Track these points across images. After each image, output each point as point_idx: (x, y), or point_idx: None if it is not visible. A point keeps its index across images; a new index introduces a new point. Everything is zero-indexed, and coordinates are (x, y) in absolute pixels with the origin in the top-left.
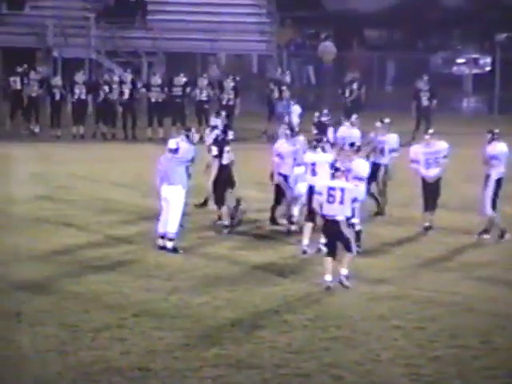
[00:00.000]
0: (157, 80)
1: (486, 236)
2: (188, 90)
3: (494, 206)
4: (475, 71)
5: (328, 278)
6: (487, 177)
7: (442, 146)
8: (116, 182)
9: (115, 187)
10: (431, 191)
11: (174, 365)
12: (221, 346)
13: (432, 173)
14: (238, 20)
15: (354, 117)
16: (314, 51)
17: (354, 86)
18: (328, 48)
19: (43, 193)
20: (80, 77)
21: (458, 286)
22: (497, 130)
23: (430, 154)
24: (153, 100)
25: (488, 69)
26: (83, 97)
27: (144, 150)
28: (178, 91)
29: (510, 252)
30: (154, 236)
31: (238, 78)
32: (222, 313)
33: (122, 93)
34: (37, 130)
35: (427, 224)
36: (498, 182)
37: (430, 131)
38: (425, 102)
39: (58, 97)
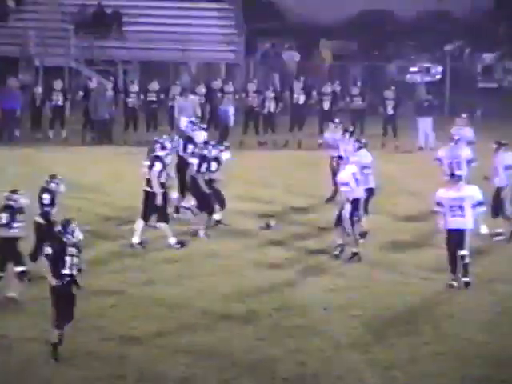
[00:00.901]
0: (134, 87)
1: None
2: (161, 96)
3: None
4: (427, 79)
5: None
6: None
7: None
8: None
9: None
10: None
11: (149, 351)
12: (193, 334)
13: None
14: (207, 31)
15: (337, 120)
16: (279, 60)
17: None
18: (291, 57)
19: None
20: (58, 84)
21: (409, 278)
22: (505, 141)
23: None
24: (130, 106)
25: (439, 77)
26: (60, 103)
27: (120, 151)
28: (152, 97)
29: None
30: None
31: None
32: (194, 302)
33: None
34: (17, 134)
35: None
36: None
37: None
38: (390, 110)
39: (38, 102)
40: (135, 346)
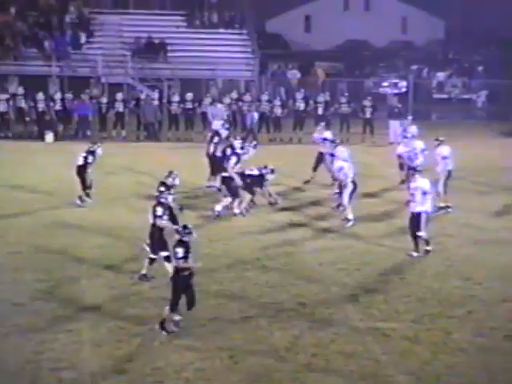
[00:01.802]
0: (175, 98)
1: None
2: (196, 105)
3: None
4: (395, 91)
5: None
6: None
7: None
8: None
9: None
10: None
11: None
12: (220, 284)
13: None
14: (230, 55)
15: (322, 124)
16: (284, 77)
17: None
18: (293, 75)
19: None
20: (119, 96)
21: (384, 240)
22: (442, 138)
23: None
24: (172, 112)
25: (404, 89)
26: (121, 110)
27: (165, 145)
28: (189, 105)
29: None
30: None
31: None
32: (220, 260)
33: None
34: (89, 133)
35: None
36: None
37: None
38: (368, 114)
39: (104, 109)
40: None
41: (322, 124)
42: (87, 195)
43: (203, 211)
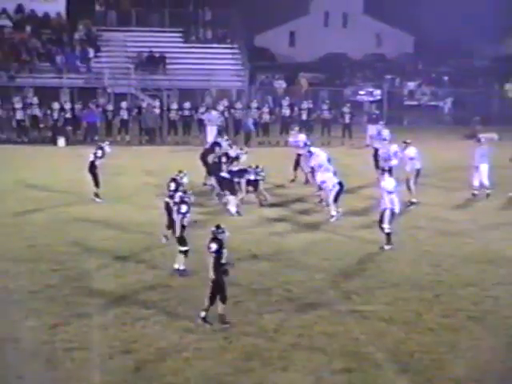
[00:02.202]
0: (174, 106)
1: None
2: (193, 112)
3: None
4: (371, 99)
5: None
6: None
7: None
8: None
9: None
10: None
11: (189, 282)
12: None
13: None
14: (223, 67)
15: (296, 128)
16: (272, 87)
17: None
18: (280, 85)
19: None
20: (124, 104)
21: (362, 232)
22: (409, 140)
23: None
24: (171, 119)
25: (379, 97)
26: (125, 117)
27: (165, 149)
28: (186, 113)
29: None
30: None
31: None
32: None
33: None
34: (96, 138)
35: None
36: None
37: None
38: (347, 120)
39: (110, 117)
40: (179, 278)
41: (296, 129)
42: (97, 196)
43: (201, 208)
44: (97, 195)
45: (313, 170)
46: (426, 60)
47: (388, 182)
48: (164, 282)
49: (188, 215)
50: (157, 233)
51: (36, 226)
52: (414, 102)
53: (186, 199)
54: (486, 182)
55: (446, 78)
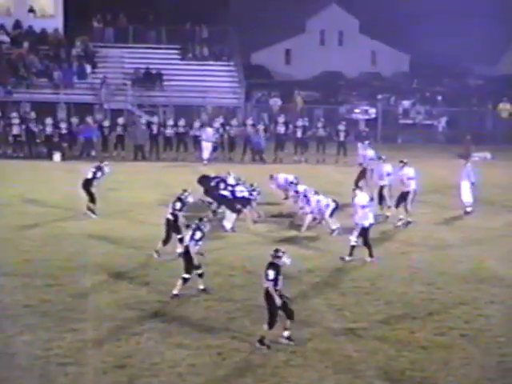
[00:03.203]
0: (170, 122)
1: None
2: (188, 128)
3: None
4: (365, 117)
5: None
6: (407, 193)
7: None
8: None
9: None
10: None
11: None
12: (210, 288)
13: None
14: (219, 84)
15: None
16: (267, 104)
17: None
18: (275, 102)
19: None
20: (120, 120)
21: (357, 249)
22: (406, 160)
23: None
24: (167, 135)
25: (374, 116)
26: (121, 133)
27: (161, 165)
28: (181, 129)
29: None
30: None
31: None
32: (210, 267)
33: (151, 129)
34: (93, 153)
35: None
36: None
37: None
38: (342, 137)
39: (106, 132)
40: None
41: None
42: (93, 212)
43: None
44: (92, 211)
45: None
46: (421, 79)
47: (361, 198)
48: (158, 297)
49: (200, 243)
50: (151, 249)
51: (32, 241)
52: (409, 121)
53: (202, 227)
54: (465, 200)
55: (440, 97)
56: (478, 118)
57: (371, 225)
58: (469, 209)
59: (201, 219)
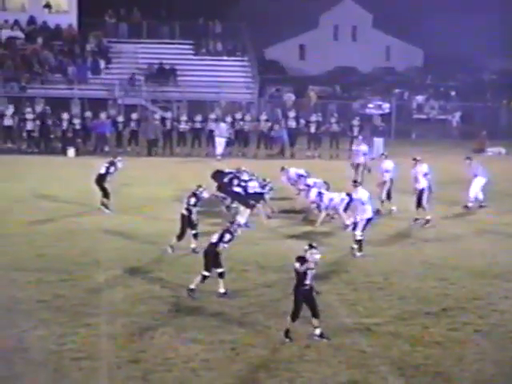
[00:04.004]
0: (184, 117)
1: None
2: (202, 123)
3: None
4: (380, 112)
5: None
6: (422, 190)
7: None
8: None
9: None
10: None
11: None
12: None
13: None
14: (233, 80)
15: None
16: (281, 99)
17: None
18: (289, 97)
19: None
20: (134, 116)
21: (370, 245)
22: (419, 157)
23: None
24: (181, 130)
25: (388, 111)
26: (135, 128)
27: (175, 160)
28: (196, 125)
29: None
30: None
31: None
32: (224, 262)
33: (164, 125)
34: (106, 149)
35: None
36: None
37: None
38: (356, 133)
39: (120, 128)
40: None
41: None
42: (106, 207)
43: (209, 218)
44: (106, 206)
45: (308, 187)
46: (435, 74)
47: (361, 194)
48: (172, 292)
49: (227, 246)
50: (166, 244)
51: (45, 236)
52: (423, 116)
53: (232, 230)
54: (471, 195)
55: (454, 92)
56: (492, 113)
57: (370, 219)
58: (470, 204)
59: (232, 222)
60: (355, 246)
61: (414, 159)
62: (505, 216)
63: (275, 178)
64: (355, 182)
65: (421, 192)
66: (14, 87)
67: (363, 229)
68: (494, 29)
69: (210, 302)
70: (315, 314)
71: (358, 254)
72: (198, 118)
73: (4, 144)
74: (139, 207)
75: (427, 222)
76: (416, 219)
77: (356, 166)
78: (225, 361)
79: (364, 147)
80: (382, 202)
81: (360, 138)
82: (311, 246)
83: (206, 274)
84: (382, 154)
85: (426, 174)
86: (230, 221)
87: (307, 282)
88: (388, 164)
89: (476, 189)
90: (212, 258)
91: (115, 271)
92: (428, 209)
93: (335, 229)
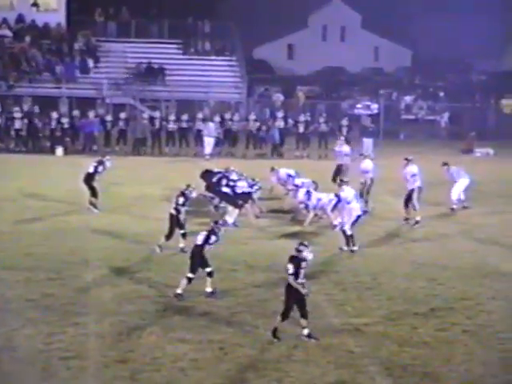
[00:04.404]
0: (172, 117)
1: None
2: (190, 123)
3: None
4: (368, 112)
5: None
6: (412, 190)
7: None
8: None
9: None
10: None
11: (184, 293)
12: (211, 283)
13: None
14: (221, 79)
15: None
16: (269, 99)
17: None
18: (277, 97)
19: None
20: (123, 115)
21: (360, 245)
22: (411, 157)
23: None
24: (169, 129)
25: (376, 111)
26: (123, 127)
27: (164, 160)
28: (183, 124)
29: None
30: None
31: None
32: (211, 262)
33: (153, 124)
34: (95, 148)
35: None
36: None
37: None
38: (345, 133)
39: (108, 127)
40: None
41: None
42: (95, 206)
43: (197, 218)
44: (94, 205)
45: (297, 187)
46: (424, 74)
47: (348, 192)
48: (160, 292)
49: (213, 247)
50: (154, 243)
51: (34, 235)
52: (411, 116)
53: (217, 230)
54: (454, 197)
55: (442, 92)
56: (480, 114)
57: (359, 217)
58: (455, 206)
59: (216, 222)
60: (345, 247)
61: (406, 159)
62: (493, 217)
63: (264, 178)
64: (341, 180)
65: (410, 192)
66: (2, 86)
67: (352, 224)
68: (483, 29)
69: (198, 302)
70: (304, 315)
71: (355, 248)
72: (185, 117)
73: None
74: (128, 206)
75: (417, 222)
76: (406, 219)
77: (338, 167)
78: (213, 360)
79: (346, 148)
80: (366, 201)
81: (342, 138)
82: (299, 245)
83: (191, 276)
84: (361, 155)
85: (413, 175)
86: (214, 221)
87: (299, 281)
88: (367, 164)
89: (458, 190)
90: (198, 259)
91: (103, 270)
92: (418, 209)
93: (323, 229)
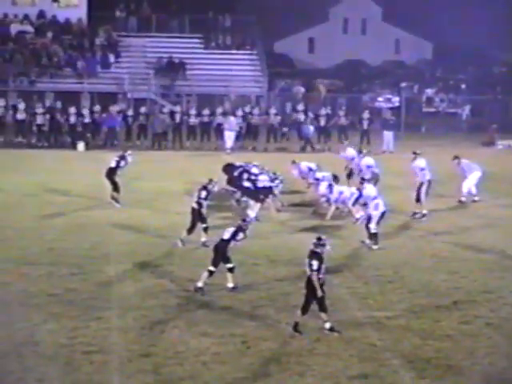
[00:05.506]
0: (193, 111)
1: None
2: (211, 117)
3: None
4: (389, 105)
5: None
6: (421, 183)
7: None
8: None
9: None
10: None
11: (207, 287)
12: (233, 277)
13: None
14: (242, 73)
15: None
16: (290, 93)
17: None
18: (298, 91)
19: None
20: (143, 109)
21: (381, 240)
22: (419, 151)
23: None
24: (190, 124)
25: (397, 104)
26: (144, 122)
27: (185, 154)
28: (205, 118)
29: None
30: None
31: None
32: (234, 256)
33: (173, 118)
34: (116, 143)
35: None
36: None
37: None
38: (365, 126)
39: (129, 122)
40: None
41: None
42: (116, 201)
43: (220, 212)
44: (116, 200)
45: (318, 181)
46: (445, 67)
47: (370, 190)
48: (182, 286)
49: (239, 244)
50: (176, 238)
51: (56, 230)
52: (432, 109)
53: (245, 227)
54: (464, 190)
55: (464, 85)
56: (502, 106)
57: (384, 213)
58: (463, 198)
59: (244, 220)
60: (367, 241)
61: (414, 153)
62: None
63: (285, 172)
64: (362, 179)
65: (419, 186)
66: (24, 81)
67: (378, 222)
68: (505, 21)
69: (220, 296)
70: (323, 309)
71: (375, 247)
72: (206, 111)
73: (15, 138)
74: (149, 201)
75: (423, 215)
76: (414, 213)
77: (350, 170)
78: (235, 354)
79: (351, 152)
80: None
81: (345, 143)
82: (320, 239)
83: (213, 269)
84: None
85: (422, 169)
86: (243, 218)
87: (320, 276)
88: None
89: (469, 184)
90: (221, 254)
91: (125, 265)
92: (424, 202)
93: (345, 222)
